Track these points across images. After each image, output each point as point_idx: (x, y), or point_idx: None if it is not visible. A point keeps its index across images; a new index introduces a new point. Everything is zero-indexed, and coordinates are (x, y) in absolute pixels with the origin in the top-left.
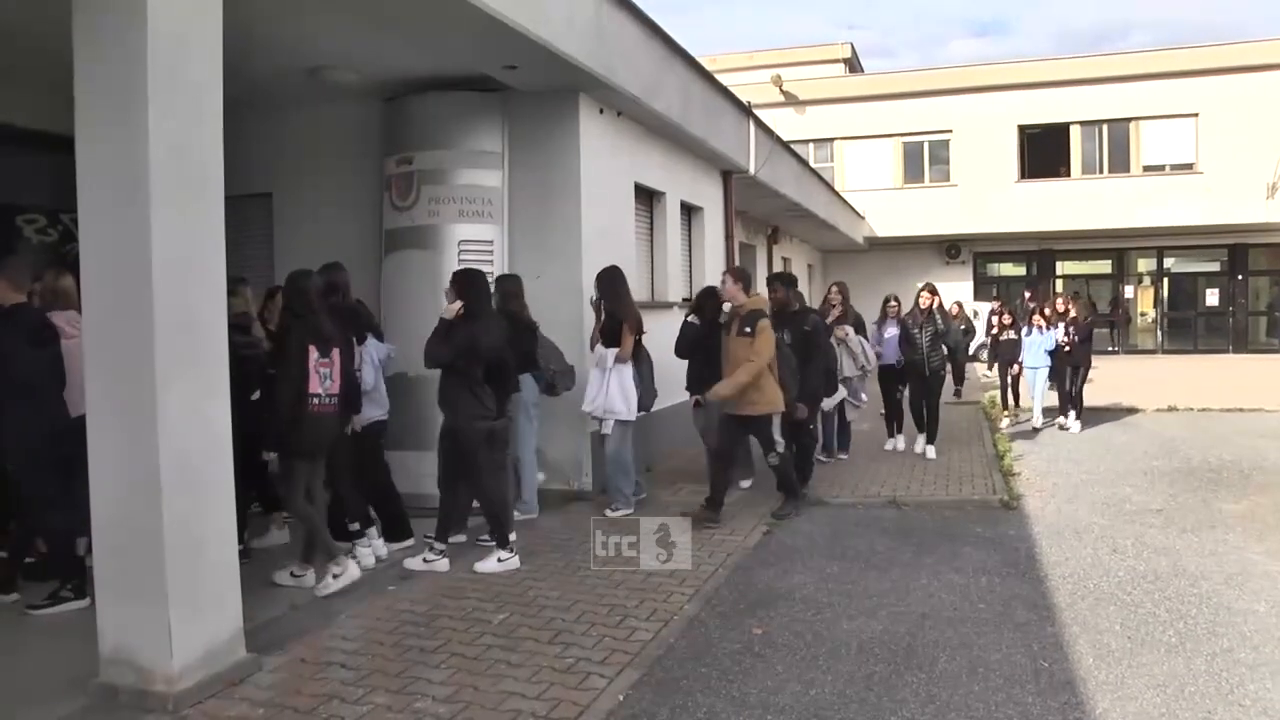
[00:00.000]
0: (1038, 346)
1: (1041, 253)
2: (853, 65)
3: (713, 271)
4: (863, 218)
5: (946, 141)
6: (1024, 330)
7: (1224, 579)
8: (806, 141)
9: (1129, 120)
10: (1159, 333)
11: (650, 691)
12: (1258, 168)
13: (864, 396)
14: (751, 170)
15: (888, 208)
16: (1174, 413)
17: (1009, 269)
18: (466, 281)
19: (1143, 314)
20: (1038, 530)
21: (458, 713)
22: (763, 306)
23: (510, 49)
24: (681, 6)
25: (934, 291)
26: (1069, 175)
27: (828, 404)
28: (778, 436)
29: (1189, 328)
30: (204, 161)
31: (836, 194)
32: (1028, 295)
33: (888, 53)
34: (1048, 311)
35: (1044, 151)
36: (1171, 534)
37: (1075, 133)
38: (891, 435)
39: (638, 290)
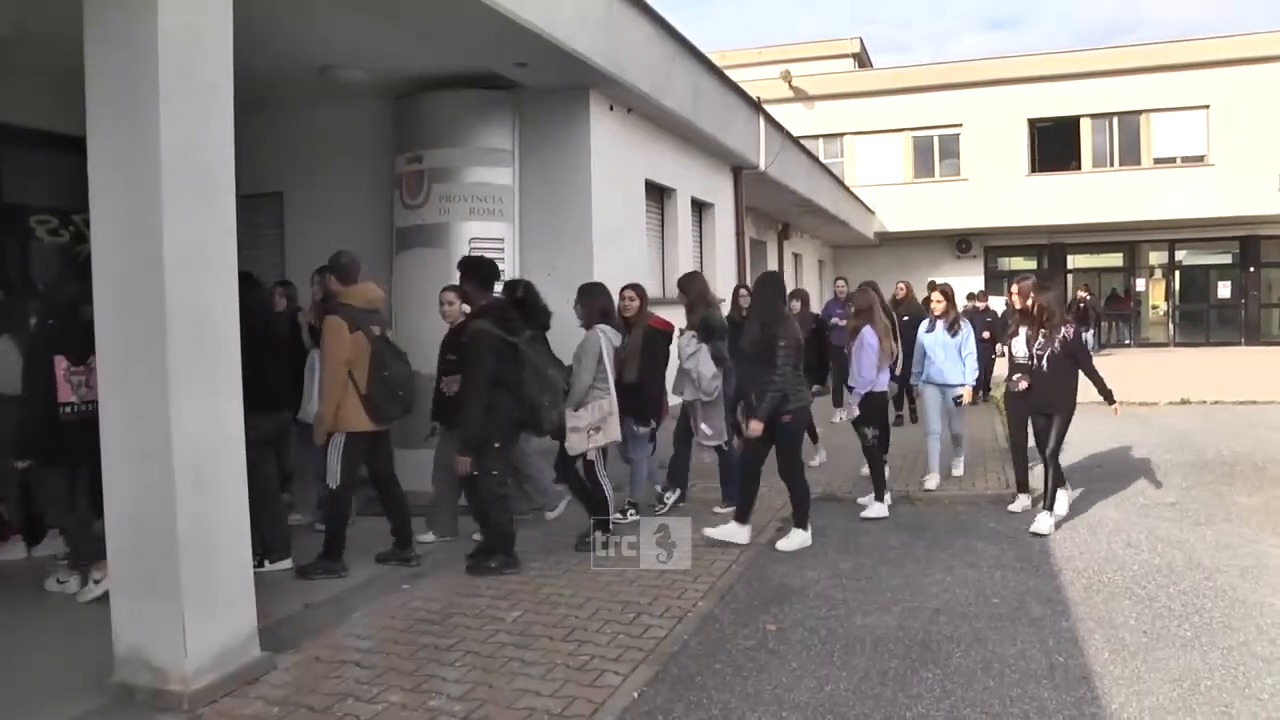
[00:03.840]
0: (948, 349)
1: (1052, 246)
2: (862, 60)
3: (724, 267)
4: (873, 213)
5: (956, 135)
6: (924, 325)
7: (1239, 572)
8: (816, 137)
9: (1139, 113)
10: (1170, 325)
11: (665, 688)
12: (1269, 159)
13: (706, 429)
14: (762, 166)
15: (898, 202)
16: (1186, 406)
17: (1020, 262)
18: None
19: (1154, 307)
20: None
21: (472, 711)
22: (352, 300)
23: (522, 47)
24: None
25: (773, 287)
26: (1080, 168)
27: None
28: (334, 463)
29: (1201, 320)
30: (215, 160)
31: (847, 189)
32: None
33: (901, 47)
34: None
35: (1054, 145)
36: (1185, 527)
37: (1086, 126)
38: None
39: (650, 288)
